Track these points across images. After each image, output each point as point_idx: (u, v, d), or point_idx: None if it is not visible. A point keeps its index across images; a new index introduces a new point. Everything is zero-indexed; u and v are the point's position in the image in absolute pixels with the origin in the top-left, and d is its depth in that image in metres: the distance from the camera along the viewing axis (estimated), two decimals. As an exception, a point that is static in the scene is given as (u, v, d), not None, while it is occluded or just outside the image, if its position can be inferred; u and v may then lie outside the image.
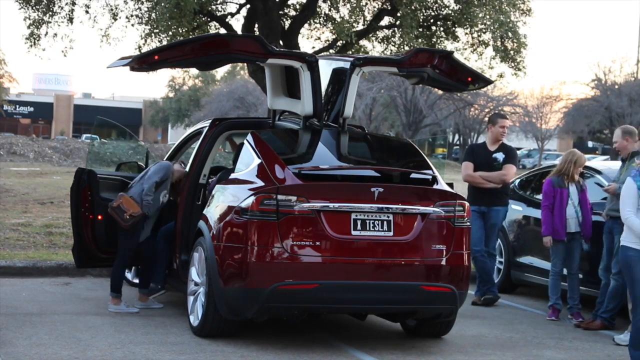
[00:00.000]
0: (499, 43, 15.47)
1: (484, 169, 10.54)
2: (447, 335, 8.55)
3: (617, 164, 9.90)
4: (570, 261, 9.90)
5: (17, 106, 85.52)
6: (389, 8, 15.73)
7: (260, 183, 7.82)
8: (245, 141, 8.51)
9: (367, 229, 7.65)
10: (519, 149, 51.75)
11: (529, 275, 11.09)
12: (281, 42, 15.28)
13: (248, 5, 16.01)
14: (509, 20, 15.10)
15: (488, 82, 9.86)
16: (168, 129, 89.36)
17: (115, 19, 16.06)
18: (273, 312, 7.77)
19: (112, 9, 16.01)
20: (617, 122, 53.12)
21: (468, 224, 8.10)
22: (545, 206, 9.87)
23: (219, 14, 16.37)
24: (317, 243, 7.55)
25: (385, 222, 7.69)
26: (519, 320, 9.74)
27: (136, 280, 10.56)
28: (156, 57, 8.50)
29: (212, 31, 15.85)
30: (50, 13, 15.67)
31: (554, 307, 9.88)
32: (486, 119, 66.23)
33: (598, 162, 12.42)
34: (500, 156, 10.57)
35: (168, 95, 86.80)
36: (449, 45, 15.97)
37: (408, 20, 14.28)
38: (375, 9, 16.39)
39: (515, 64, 15.68)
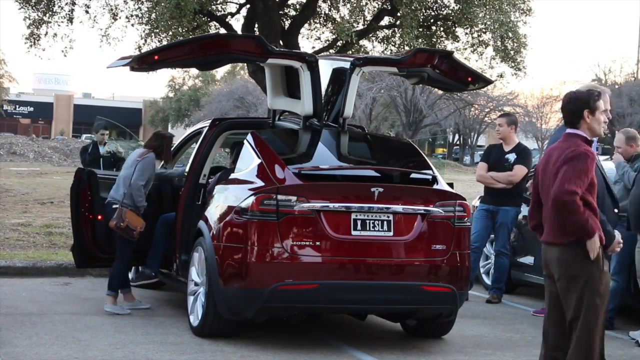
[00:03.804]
0: (499, 43, 15.48)
1: (496, 169, 10.71)
2: (447, 335, 8.55)
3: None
4: None
5: (17, 106, 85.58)
6: (389, 8, 15.74)
7: (260, 183, 7.82)
8: (245, 141, 8.51)
9: (367, 229, 7.64)
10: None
11: (529, 275, 11.09)
12: (281, 42, 15.28)
13: (248, 5, 16.01)
14: (509, 20, 15.11)
15: (488, 82, 9.88)
16: (168, 129, 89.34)
17: (115, 19, 16.06)
18: (273, 312, 7.76)
19: (112, 9, 16.02)
20: (617, 122, 53.15)
21: (468, 224, 8.11)
22: None
23: (219, 14, 16.37)
24: (317, 243, 7.55)
25: (385, 222, 7.69)
26: (519, 320, 9.73)
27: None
28: (156, 57, 8.51)
29: (212, 31, 15.86)
30: (50, 13, 15.66)
31: None
32: (486, 119, 66.42)
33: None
34: (512, 157, 10.70)
35: (168, 95, 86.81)
36: (449, 45, 15.98)
37: (408, 20, 14.28)
38: (375, 9, 16.40)
39: (515, 64, 15.69)
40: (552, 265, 5.77)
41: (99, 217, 9.43)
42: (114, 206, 9.00)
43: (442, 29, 16.00)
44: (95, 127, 12.60)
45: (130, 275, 10.66)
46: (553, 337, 5.83)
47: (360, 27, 15.91)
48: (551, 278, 5.82)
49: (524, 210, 11.30)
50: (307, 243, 7.53)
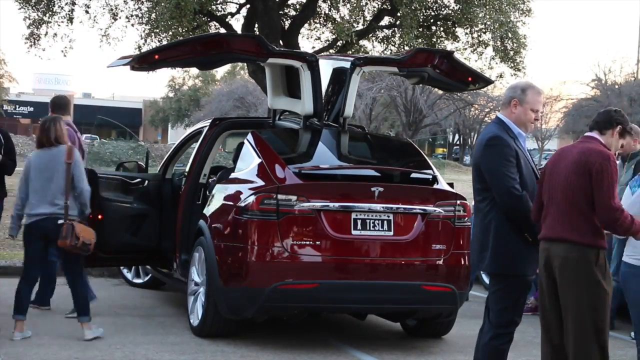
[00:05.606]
0: (499, 43, 15.50)
1: None
2: (447, 335, 8.55)
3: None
4: None
5: (17, 106, 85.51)
6: (389, 8, 15.75)
7: (260, 182, 7.82)
8: (245, 141, 8.51)
9: (367, 228, 7.64)
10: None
11: (529, 275, 11.08)
12: (281, 42, 15.30)
13: (248, 5, 16.03)
14: (509, 20, 15.13)
15: (488, 82, 9.88)
16: (168, 129, 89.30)
17: (115, 19, 16.09)
18: (273, 312, 7.76)
19: (112, 9, 16.04)
20: (617, 122, 53.06)
21: (468, 223, 8.09)
22: None
23: (219, 14, 16.39)
24: (317, 243, 7.55)
25: (385, 222, 7.69)
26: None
27: (137, 280, 10.57)
28: (156, 57, 8.52)
29: (212, 31, 15.87)
30: (50, 13, 15.69)
31: None
32: (486, 119, 66.35)
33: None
34: None
35: (168, 95, 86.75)
36: (449, 45, 16.00)
37: (408, 20, 14.29)
38: (375, 9, 16.42)
39: (515, 64, 15.72)
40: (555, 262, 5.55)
41: (99, 217, 9.42)
42: (59, 222, 7.67)
43: (442, 29, 16.01)
44: None
45: (129, 276, 10.67)
46: (558, 336, 5.74)
47: (360, 27, 15.92)
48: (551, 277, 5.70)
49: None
50: (307, 242, 7.54)
